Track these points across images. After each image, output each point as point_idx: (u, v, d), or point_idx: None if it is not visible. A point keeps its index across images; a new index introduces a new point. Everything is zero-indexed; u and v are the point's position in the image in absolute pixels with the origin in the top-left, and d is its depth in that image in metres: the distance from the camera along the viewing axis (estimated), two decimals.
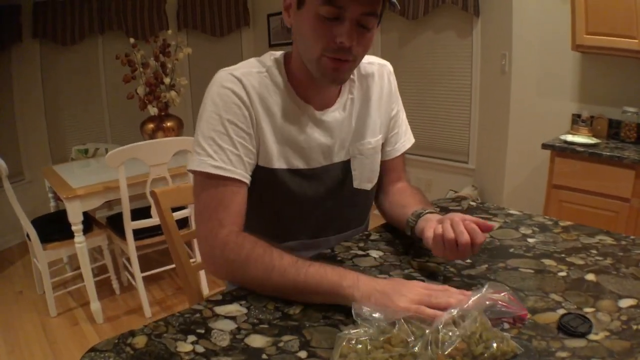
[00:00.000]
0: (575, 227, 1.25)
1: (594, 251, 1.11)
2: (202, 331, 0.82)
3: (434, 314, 0.78)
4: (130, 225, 2.72)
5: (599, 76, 3.00)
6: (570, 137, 2.78)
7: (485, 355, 0.72)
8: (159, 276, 3.23)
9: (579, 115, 3.05)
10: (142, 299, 2.90)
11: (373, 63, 1.26)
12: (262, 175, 1.11)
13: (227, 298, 0.94)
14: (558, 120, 3.21)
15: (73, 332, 2.80)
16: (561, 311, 0.87)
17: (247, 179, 1.06)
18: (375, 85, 1.26)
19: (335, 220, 1.25)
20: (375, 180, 1.29)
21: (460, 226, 0.94)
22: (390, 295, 0.83)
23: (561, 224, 1.27)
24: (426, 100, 4.17)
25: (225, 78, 1.07)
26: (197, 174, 1.04)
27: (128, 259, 2.96)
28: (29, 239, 2.78)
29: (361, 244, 1.19)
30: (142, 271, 2.89)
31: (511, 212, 1.36)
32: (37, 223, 2.88)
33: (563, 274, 1.01)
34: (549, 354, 0.75)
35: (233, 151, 1.04)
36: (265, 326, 0.84)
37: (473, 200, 1.45)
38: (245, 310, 0.89)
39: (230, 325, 0.84)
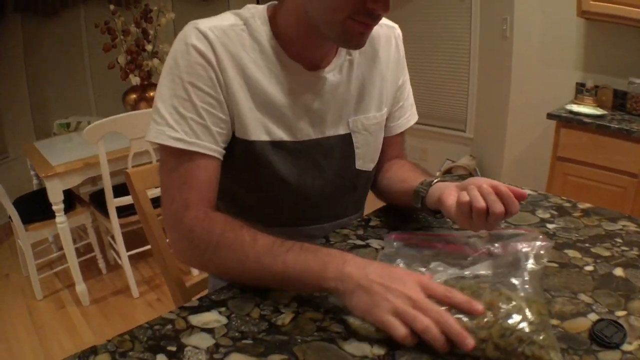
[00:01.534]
0: (595, 211, 1.12)
1: (619, 240, 0.99)
2: (174, 349, 0.69)
3: (404, 337, 0.67)
4: (112, 203, 2.58)
5: (605, 45, 2.86)
6: (575, 107, 2.66)
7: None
8: (147, 253, 3.10)
9: (583, 85, 2.93)
10: (129, 279, 2.79)
11: (380, 24, 1.07)
12: (241, 149, 0.96)
13: (205, 304, 0.80)
14: (561, 89, 3.09)
15: (59, 315, 2.70)
16: (592, 316, 0.75)
17: (216, 152, 0.91)
18: (382, 51, 1.08)
19: (331, 206, 1.10)
20: (377, 160, 1.14)
21: (492, 194, 0.82)
22: (374, 296, 0.70)
23: (580, 206, 1.15)
24: (421, 65, 4.01)
25: (189, 33, 0.90)
26: (161, 149, 0.90)
27: (113, 237, 2.83)
28: (11, 220, 2.65)
29: (360, 232, 1.06)
30: (129, 249, 2.77)
31: (525, 191, 1.22)
32: (19, 202, 2.75)
33: (590, 268, 0.89)
34: None
35: (197, 120, 0.89)
36: (249, 342, 0.71)
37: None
38: (225, 321, 0.76)
39: (207, 341, 0.71)
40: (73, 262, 2.69)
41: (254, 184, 1.01)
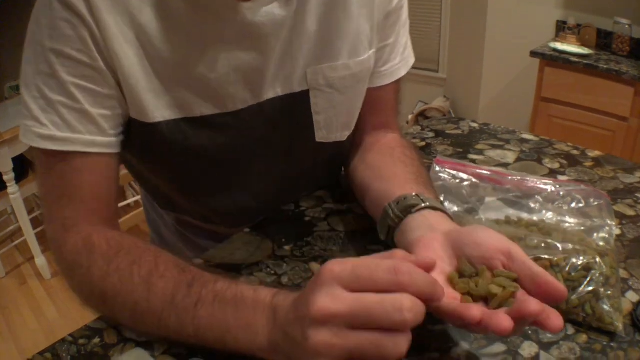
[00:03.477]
0: (607, 159, 0.97)
1: None
2: None
3: None
4: None
5: None
6: (560, 46, 2.50)
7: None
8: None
9: (564, 22, 2.77)
10: None
11: None
12: (142, 135, 0.68)
13: None
14: (541, 27, 2.91)
15: (22, 292, 2.58)
16: (631, 295, 0.60)
17: (103, 146, 0.64)
18: None
19: (285, 192, 0.84)
20: (353, 125, 0.82)
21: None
22: (295, 345, 0.45)
23: (589, 154, 0.99)
24: None
25: None
26: (33, 151, 0.64)
27: None
28: None
29: (337, 193, 0.87)
30: None
31: (525, 136, 1.06)
32: None
33: (617, 231, 0.73)
34: None
35: (68, 104, 0.60)
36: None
37: (474, 121, 1.14)
38: None
39: None
40: (30, 234, 2.54)
41: (173, 176, 0.77)
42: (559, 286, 0.46)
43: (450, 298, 0.47)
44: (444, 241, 0.54)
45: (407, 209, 0.60)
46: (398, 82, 0.82)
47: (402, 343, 0.41)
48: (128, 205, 2.87)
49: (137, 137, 0.68)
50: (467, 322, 0.44)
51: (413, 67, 0.84)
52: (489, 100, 3.29)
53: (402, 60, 0.82)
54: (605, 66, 2.24)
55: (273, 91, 0.71)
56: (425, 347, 0.54)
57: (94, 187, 0.64)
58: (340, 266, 0.43)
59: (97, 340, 0.57)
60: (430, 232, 0.56)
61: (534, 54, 2.47)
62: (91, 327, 0.59)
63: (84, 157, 0.62)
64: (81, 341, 0.57)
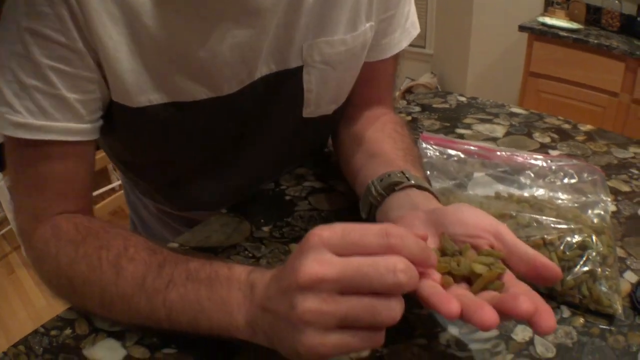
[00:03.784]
0: (599, 134, 0.93)
1: (635, 171, 0.81)
2: None
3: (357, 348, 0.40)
4: None
5: None
6: (548, 20, 2.46)
7: None
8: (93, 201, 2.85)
9: None
10: None
11: None
12: (124, 118, 0.62)
13: None
14: (529, 1, 2.86)
15: (10, 282, 2.51)
16: (629, 276, 0.57)
17: (81, 133, 0.58)
18: None
19: (270, 170, 0.80)
20: (342, 100, 0.77)
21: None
22: (278, 318, 0.41)
23: (581, 128, 0.95)
24: None
25: None
26: (4, 138, 0.60)
27: None
28: None
29: (318, 170, 0.82)
30: None
31: (515, 110, 1.02)
32: None
33: (612, 208, 0.70)
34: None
35: (44, 89, 0.55)
36: (172, 351, 0.51)
37: (462, 95, 1.10)
38: None
39: (115, 353, 0.50)
40: (14, 223, 2.45)
41: (158, 161, 0.73)
42: (554, 267, 0.42)
43: (431, 279, 0.43)
44: (426, 220, 0.50)
45: (391, 186, 0.57)
46: (397, 55, 0.77)
47: (396, 307, 0.38)
48: (112, 189, 2.81)
49: (120, 121, 0.62)
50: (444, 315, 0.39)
51: None
52: (477, 76, 3.24)
53: (403, 32, 0.76)
54: (595, 41, 2.20)
55: (267, 67, 0.66)
56: (410, 333, 0.51)
57: (68, 176, 0.60)
58: (329, 231, 0.40)
59: (68, 331, 0.53)
60: (412, 211, 0.52)
61: (522, 28, 2.42)
62: (62, 317, 0.55)
63: (58, 146, 0.57)
64: (53, 332, 0.54)
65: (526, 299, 0.38)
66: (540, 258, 0.43)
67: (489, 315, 0.37)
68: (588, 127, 0.96)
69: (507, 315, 0.38)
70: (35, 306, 2.34)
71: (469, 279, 0.44)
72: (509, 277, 0.43)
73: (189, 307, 0.47)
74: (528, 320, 0.38)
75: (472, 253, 0.45)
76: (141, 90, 0.59)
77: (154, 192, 0.81)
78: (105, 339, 0.52)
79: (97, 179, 1.38)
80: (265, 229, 0.69)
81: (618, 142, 0.90)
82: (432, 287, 0.41)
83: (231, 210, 0.73)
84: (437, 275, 0.44)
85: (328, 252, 0.39)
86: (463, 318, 0.38)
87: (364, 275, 0.37)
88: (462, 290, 0.43)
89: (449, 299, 0.39)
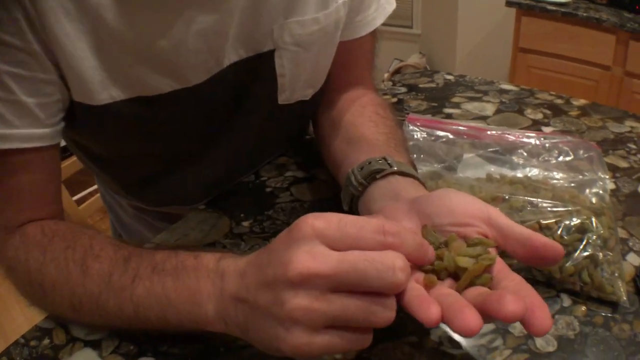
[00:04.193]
0: (594, 108, 0.90)
1: (633, 146, 0.77)
2: None
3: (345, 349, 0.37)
4: None
5: None
6: None
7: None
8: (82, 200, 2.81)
9: None
10: None
11: None
12: (88, 117, 0.58)
13: None
14: None
15: (7, 286, 2.40)
16: (632, 258, 0.54)
17: (42, 139, 0.55)
18: None
19: (247, 161, 0.75)
20: (319, 84, 0.72)
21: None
22: (260, 313, 0.37)
23: (574, 102, 0.91)
24: None
25: None
26: None
27: None
28: None
29: (300, 159, 0.78)
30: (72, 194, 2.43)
31: (504, 86, 0.98)
32: None
33: (611, 186, 0.66)
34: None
35: (2, 96, 0.51)
36: (149, 359, 0.48)
37: (449, 74, 1.06)
38: None
39: None
40: None
41: (128, 158, 0.69)
42: (554, 245, 0.38)
43: (412, 280, 0.38)
44: (409, 210, 0.45)
45: (372, 174, 0.52)
46: (374, 33, 0.73)
47: (391, 308, 0.36)
48: (96, 189, 2.76)
49: (83, 122, 0.59)
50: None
51: (386, 24, 0.74)
52: (466, 54, 3.20)
53: (377, 9, 0.71)
54: (584, 14, 2.16)
55: (236, 54, 0.62)
56: (400, 330, 0.47)
57: (33, 184, 0.56)
58: (324, 222, 0.36)
59: (46, 341, 0.51)
60: (394, 201, 0.48)
61: (509, 3, 2.37)
62: (41, 327, 0.53)
63: (20, 154, 0.54)
64: (32, 343, 0.51)
65: (513, 299, 0.33)
66: (538, 238, 0.39)
67: (470, 319, 0.33)
68: (582, 101, 0.92)
69: (492, 318, 0.34)
70: (33, 310, 2.31)
71: (457, 274, 0.40)
72: (500, 268, 0.39)
73: (155, 301, 0.44)
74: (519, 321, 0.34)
75: (459, 244, 0.41)
76: (102, 87, 0.56)
77: (126, 189, 0.77)
78: (82, 349, 0.49)
79: (79, 181, 1.34)
80: (245, 224, 0.65)
81: (613, 116, 0.86)
82: (412, 289, 0.37)
83: (209, 205, 0.69)
84: (419, 274, 0.40)
85: (321, 244, 0.35)
86: (444, 322, 0.34)
87: (361, 272, 0.34)
88: (445, 289, 0.39)
89: (428, 303, 0.35)
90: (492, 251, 0.40)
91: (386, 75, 3.58)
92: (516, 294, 0.34)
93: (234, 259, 0.42)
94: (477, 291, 0.38)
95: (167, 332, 0.46)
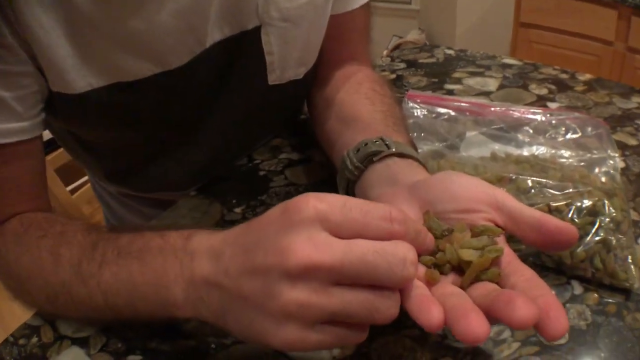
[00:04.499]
0: (600, 83, 0.86)
1: None
2: None
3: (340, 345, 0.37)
4: None
5: None
6: None
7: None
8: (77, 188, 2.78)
9: None
10: None
11: None
12: (68, 106, 0.56)
13: None
14: None
15: None
16: None
17: (20, 133, 0.52)
18: None
19: (239, 144, 0.71)
20: (311, 61, 0.68)
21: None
22: (248, 305, 0.34)
23: (580, 77, 0.88)
24: None
25: None
26: None
27: None
28: None
29: (295, 140, 0.74)
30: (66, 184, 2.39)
31: (507, 61, 0.95)
32: None
33: (621, 164, 0.63)
34: None
35: None
36: (137, 357, 0.45)
37: (450, 48, 1.02)
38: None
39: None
40: None
41: (112, 146, 0.66)
42: (568, 228, 0.35)
43: (416, 274, 0.35)
44: (408, 197, 0.42)
45: (368, 157, 0.48)
46: (367, 5, 0.68)
47: (395, 304, 0.32)
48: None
49: (64, 111, 0.56)
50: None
51: (384, 1, 0.69)
52: (465, 29, 3.14)
53: None
54: None
55: (220, 32, 0.58)
56: (401, 323, 0.44)
57: (16, 180, 0.54)
58: (327, 204, 0.32)
59: (35, 339, 0.48)
60: (392, 187, 0.45)
61: None
62: (29, 324, 0.50)
63: (1, 150, 0.51)
64: (21, 341, 0.49)
65: (524, 303, 0.30)
66: (552, 221, 0.36)
67: (475, 325, 0.30)
68: (587, 76, 0.89)
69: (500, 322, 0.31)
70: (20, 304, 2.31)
71: (462, 268, 0.37)
72: (508, 260, 0.36)
73: (122, 287, 0.41)
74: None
75: (460, 235, 0.37)
76: (80, 75, 0.53)
77: (112, 176, 0.74)
78: (70, 347, 0.47)
79: (73, 169, 1.31)
80: (238, 210, 0.62)
81: (620, 91, 0.83)
82: (414, 286, 0.34)
83: (201, 192, 0.66)
84: (420, 268, 0.36)
85: (323, 230, 0.32)
86: (447, 326, 0.31)
87: (370, 265, 0.31)
88: (449, 286, 0.36)
89: (429, 304, 0.32)
90: (500, 241, 0.37)
91: (385, 52, 3.53)
92: (527, 294, 0.31)
93: (207, 236, 0.38)
94: (483, 288, 0.35)
95: (138, 321, 0.43)
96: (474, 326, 0.29)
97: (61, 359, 0.46)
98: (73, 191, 1.45)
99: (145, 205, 0.80)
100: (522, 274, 0.35)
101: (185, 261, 0.37)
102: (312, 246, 0.31)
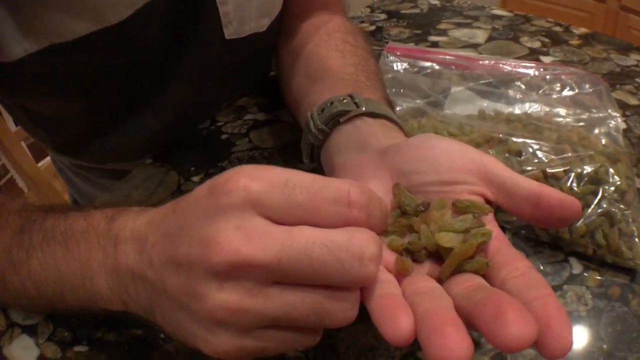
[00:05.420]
0: (596, 38, 0.79)
1: None
2: None
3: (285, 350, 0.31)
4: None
5: None
6: None
7: None
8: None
9: None
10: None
11: None
12: (7, 75, 0.49)
13: None
14: None
15: None
16: None
17: None
18: None
19: (200, 106, 0.64)
20: (277, 10, 0.60)
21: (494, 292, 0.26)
22: (171, 303, 0.27)
23: (575, 31, 0.81)
24: None
25: None
26: None
27: None
28: None
29: (262, 100, 0.67)
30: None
31: (497, 12, 0.87)
32: None
33: (622, 125, 0.57)
34: None
35: None
36: (83, 349, 0.40)
37: None
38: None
39: (29, 352, 0.40)
40: None
41: (61, 111, 0.59)
42: (571, 201, 0.29)
43: (384, 262, 0.29)
44: (378, 164, 0.35)
45: (334, 117, 0.41)
46: None
47: (352, 306, 0.26)
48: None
49: (4, 80, 0.50)
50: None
51: None
52: None
53: None
54: None
55: None
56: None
57: None
58: (263, 183, 0.25)
59: None
60: (360, 152, 0.38)
61: None
62: None
63: None
64: None
65: (519, 316, 0.22)
66: (552, 193, 0.30)
67: (451, 343, 0.22)
68: (582, 30, 0.82)
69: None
70: None
71: (440, 254, 0.30)
72: (498, 245, 0.29)
73: (49, 275, 0.35)
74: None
75: (441, 212, 0.30)
76: (13, 41, 0.46)
77: (63, 148, 0.67)
78: (20, 335, 0.43)
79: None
80: (196, 178, 0.55)
81: (618, 47, 0.76)
82: (379, 282, 0.27)
83: (157, 159, 0.59)
84: (389, 255, 0.30)
85: (258, 215, 0.25)
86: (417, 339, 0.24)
87: (316, 262, 0.24)
88: (423, 279, 0.29)
89: (395, 311, 0.25)
90: (488, 220, 0.30)
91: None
92: (520, 297, 0.24)
93: (133, 217, 0.31)
94: (467, 283, 0.28)
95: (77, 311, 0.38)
96: (451, 346, 0.22)
97: (13, 349, 0.42)
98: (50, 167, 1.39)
99: (101, 177, 0.72)
100: (514, 266, 0.27)
101: (108, 248, 0.31)
102: (241, 238, 0.24)
